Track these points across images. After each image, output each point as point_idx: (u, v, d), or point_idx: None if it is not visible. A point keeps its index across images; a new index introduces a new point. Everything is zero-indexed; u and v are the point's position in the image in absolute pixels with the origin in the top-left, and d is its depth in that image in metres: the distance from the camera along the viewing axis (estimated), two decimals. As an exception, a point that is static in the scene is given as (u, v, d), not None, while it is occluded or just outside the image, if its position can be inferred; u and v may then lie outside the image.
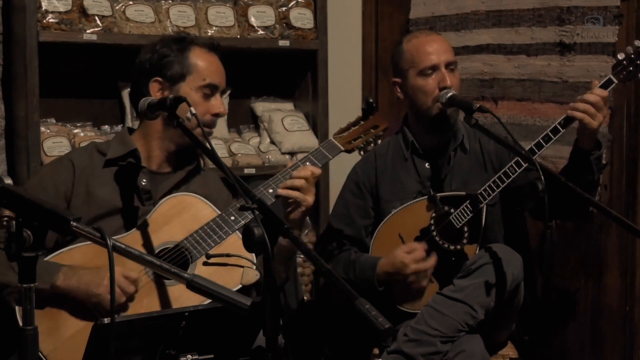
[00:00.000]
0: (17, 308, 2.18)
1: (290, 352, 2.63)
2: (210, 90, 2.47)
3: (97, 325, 1.87)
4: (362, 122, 2.66)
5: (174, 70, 2.44)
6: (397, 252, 2.70)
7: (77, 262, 2.28)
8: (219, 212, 2.39)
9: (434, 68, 2.79)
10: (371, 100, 2.68)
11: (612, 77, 2.64)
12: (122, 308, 2.23)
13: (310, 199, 2.41)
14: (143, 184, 2.44)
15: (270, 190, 2.43)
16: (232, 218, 2.37)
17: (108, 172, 2.46)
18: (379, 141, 2.72)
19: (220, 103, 2.49)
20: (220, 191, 2.61)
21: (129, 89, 2.66)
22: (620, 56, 2.65)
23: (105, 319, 1.88)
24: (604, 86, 2.62)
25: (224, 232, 2.36)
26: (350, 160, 3.05)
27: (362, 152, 2.68)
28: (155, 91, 2.44)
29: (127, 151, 2.46)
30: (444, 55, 2.80)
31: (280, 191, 2.40)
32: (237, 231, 2.37)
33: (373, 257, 2.78)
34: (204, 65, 2.47)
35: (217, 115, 2.49)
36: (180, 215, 2.39)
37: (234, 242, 2.36)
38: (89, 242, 2.27)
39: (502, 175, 2.66)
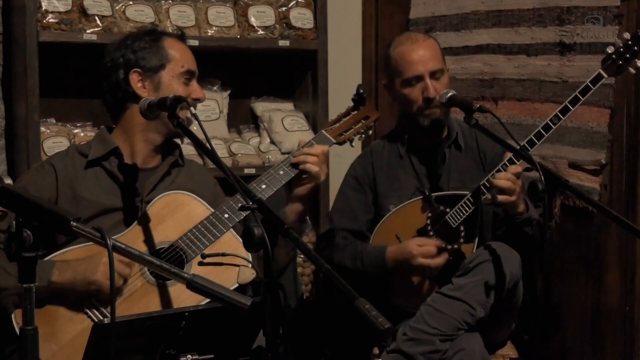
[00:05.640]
0: (12, 315, 2.19)
1: (290, 352, 2.63)
2: (189, 76, 2.50)
3: (97, 325, 1.87)
4: (352, 113, 2.64)
5: (152, 61, 2.46)
6: (409, 242, 2.71)
7: None
8: (212, 210, 2.40)
9: (419, 78, 2.79)
10: (362, 91, 2.64)
11: (601, 72, 2.66)
12: (118, 292, 2.24)
13: (322, 174, 2.48)
14: (127, 181, 2.44)
15: (263, 186, 2.44)
16: (226, 216, 2.38)
17: (92, 173, 2.45)
18: (370, 132, 2.70)
19: (199, 88, 2.53)
20: (205, 182, 2.61)
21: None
22: (610, 50, 2.67)
23: (105, 319, 1.88)
24: (593, 81, 2.64)
25: (218, 230, 2.36)
26: (349, 159, 3.05)
27: (353, 144, 2.67)
28: (135, 82, 2.45)
29: (108, 150, 2.46)
30: (429, 64, 2.78)
31: (295, 159, 2.47)
32: (231, 229, 2.37)
33: (380, 245, 2.79)
34: (179, 53, 2.50)
35: (197, 100, 2.51)
36: (174, 214, 2.38)
37: (228, 241, 2.36)
38: (82, 245, 2.28)
39: (496, 173, 2.66)
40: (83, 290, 2.21)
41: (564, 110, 2.66)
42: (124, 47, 2.49)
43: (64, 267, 2.22)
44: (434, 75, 2.79)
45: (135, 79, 2.45)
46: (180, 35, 2.61)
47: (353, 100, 2.64)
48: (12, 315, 2.19)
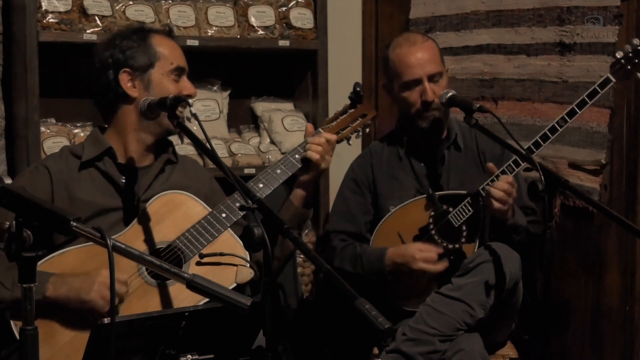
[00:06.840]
0: (12, 322, 2.19)
1: (290, 352, 2.63)
2: (178, 72, 2.48)
3: (97, 325, 1.87)
4: (349, 111, 2.64)
5: (141, 60, 2.44)
6: (411, 245, 2.72)
7: (70, 265, 2.26)
8: (210, 210, 2.39)
9: (417, 82, 2.78)
10: (359, 89, 2.63)
11: (610, 76, 2.66)
12: (114, 310, 2.22)
13: (322, 162, 2.52)
14: (123, 181, 2.44)
15: (261, 185, 2.45)
16: (224, 215, 2.38)
17: (86, 174, 2.44)
18: (368, 130, 2.70)
19: (190, 84, 2.50)
20: (201, 178, 2.60)
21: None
22: (619, 55, 2.67)
23: (105, 319, 1.88)
24: (601, 85, 2.65)
25: (216, 230, 2.36)
26: (348, 158, 3.05)
27: (350, 142, 2.67)
28: (125, 82, 2.44)
29: (101, 150, 2.45)
30: (428, 68, 2.78)
31: (305, 153, 2.50)
32: (229, 229, 2.37)
33: (379, 248, 2.79)
34: (167, 50, 2.48)
35: (188, 97, 2.48)
36: (171, 214, 2.38)
37: (226, 240, 2.36)
38: (80, 245, 2.28)
39: (501, 174, 2.66)
40: (76, 307, 2.20)
41: (571, 113, 2.66)
42: (112, 46, 2.48)
43: (58, 282, 2.21)
44: (432, 78, 2.78)
45: (125, 79, 2.44)
46: (168, 31, 2.59)
47: (350, 98, 2.64)
48: (12, 322, 2.18)
